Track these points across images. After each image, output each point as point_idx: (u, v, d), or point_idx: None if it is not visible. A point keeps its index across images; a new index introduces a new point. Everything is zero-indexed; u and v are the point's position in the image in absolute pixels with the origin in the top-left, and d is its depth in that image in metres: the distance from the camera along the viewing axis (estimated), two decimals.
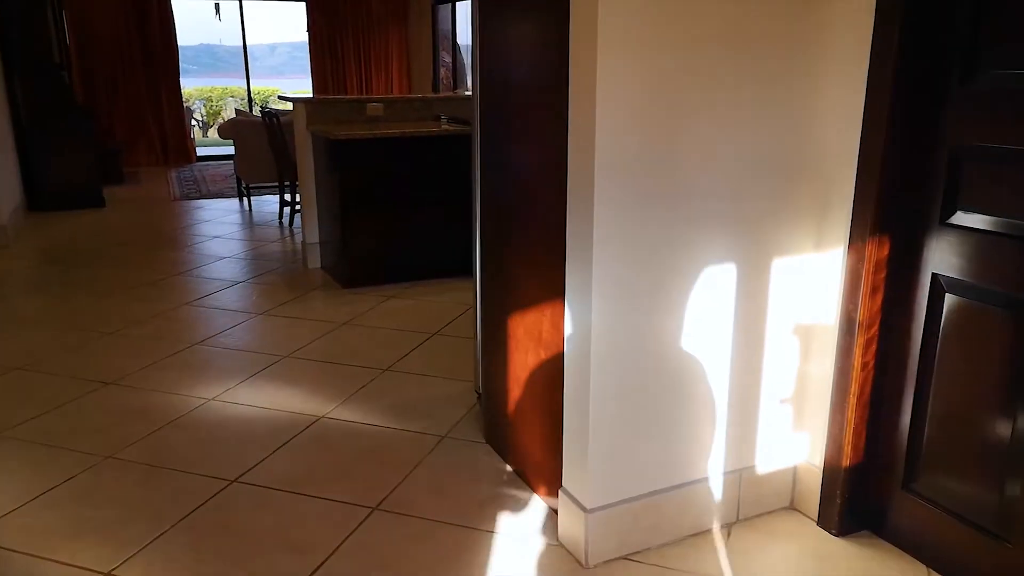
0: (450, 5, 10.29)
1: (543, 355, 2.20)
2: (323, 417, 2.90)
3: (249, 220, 6.70)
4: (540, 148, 2.11)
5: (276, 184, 6.89)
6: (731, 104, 1.89)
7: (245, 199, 7.54)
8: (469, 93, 8.19)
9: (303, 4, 10.58)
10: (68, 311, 4.15)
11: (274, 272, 4.96)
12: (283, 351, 3.57)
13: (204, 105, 18.00)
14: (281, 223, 6.52)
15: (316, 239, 4.99)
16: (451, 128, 4.55)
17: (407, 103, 5.01)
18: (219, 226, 6.40)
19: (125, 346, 3.64)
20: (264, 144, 6.90)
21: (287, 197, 6.60)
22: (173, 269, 5.02)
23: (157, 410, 2.97)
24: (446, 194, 4.61)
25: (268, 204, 7.34)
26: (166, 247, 5.64)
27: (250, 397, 3.08)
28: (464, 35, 10.36)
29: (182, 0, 10.03)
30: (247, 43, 10.57)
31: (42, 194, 6.89)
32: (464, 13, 10.22)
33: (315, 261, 5.02)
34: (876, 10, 1.87)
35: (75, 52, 9.32)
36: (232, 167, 9.56)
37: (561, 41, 1.88)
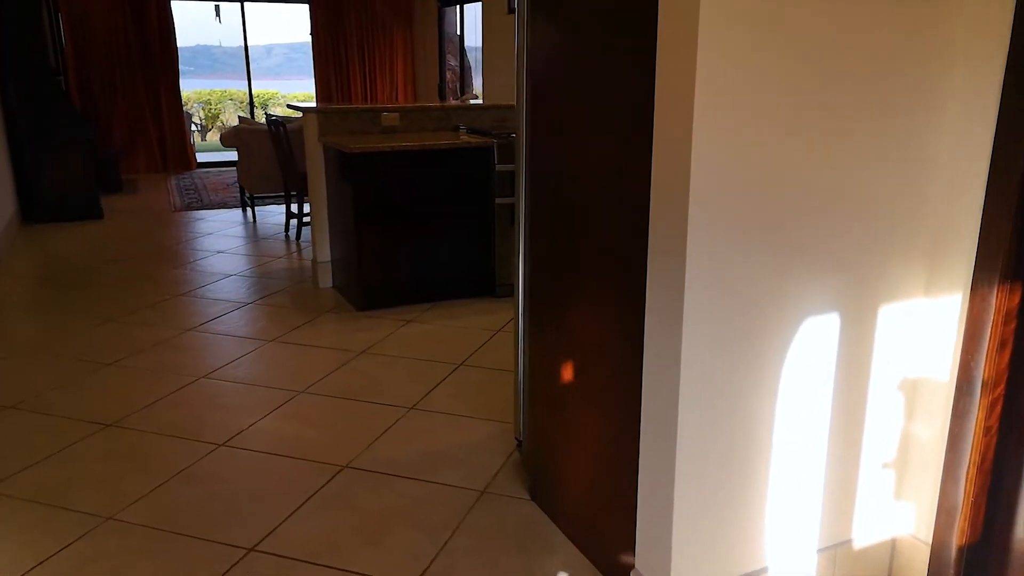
0: (457, 7, 10.02)
1: (609, 411, 1.92)
2: (346, 467, 2.62)
3: (253, 232, 6.41)
4: (609, 170, 1.83)
5: (281, 194, 6.62)
6: (841, 132, 1.62)
7: (248, 209, 7.26)
8: (477, 100, 7.87)
9: (305, 6, 10.30)
10: (64, 339, 3.86)
11: (283, 292, 4.67)
12: (298, 385, 3.29)
13: (203, 108, 17.70)
14: (287, 236, 6.23)
15: (327, 257, 4.70)
16: (472, 140, 4.27)
17: (423, 112, 4.73)
18: (222, 240, 6.11)
19: (126, 380, 3.35)
20: (269, 153, 6.61)
21: (293, 209, 6.31)
22: (175, 289, 4.73)
23: (162, 459, 2.68)
24: (465, 210, 4.33)
25: (272, 215, 7.05)
26: (167, 263, 5.35)
27: (264, 442, 2.80)
28: (472, 38, 10.08)
29: (179, 1, 9.74)
30: (247, 44, 10.29)
31: (38, 204, 6.60)
32: (473, 15, 9.95)
33: (326, 280, 4.73)
34: (1012, 32, 1.59)
35: (72, 55, 9.03)
36: (234, 175, 9.29)
37: (640, 49, 1.60)
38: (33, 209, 6.60)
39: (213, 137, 17.76)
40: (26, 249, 5.74)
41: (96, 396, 3.18)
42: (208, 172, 9.82)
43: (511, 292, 4.53)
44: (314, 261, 4.76)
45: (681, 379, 1.60)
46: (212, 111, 17.95)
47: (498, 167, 4.29)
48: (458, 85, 11.59)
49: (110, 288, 4.72)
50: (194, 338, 3.88)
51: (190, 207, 7.46)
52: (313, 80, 10.64)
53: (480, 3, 9.49)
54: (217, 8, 12.58)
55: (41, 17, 6.44)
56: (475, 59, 10.20)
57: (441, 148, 4.18)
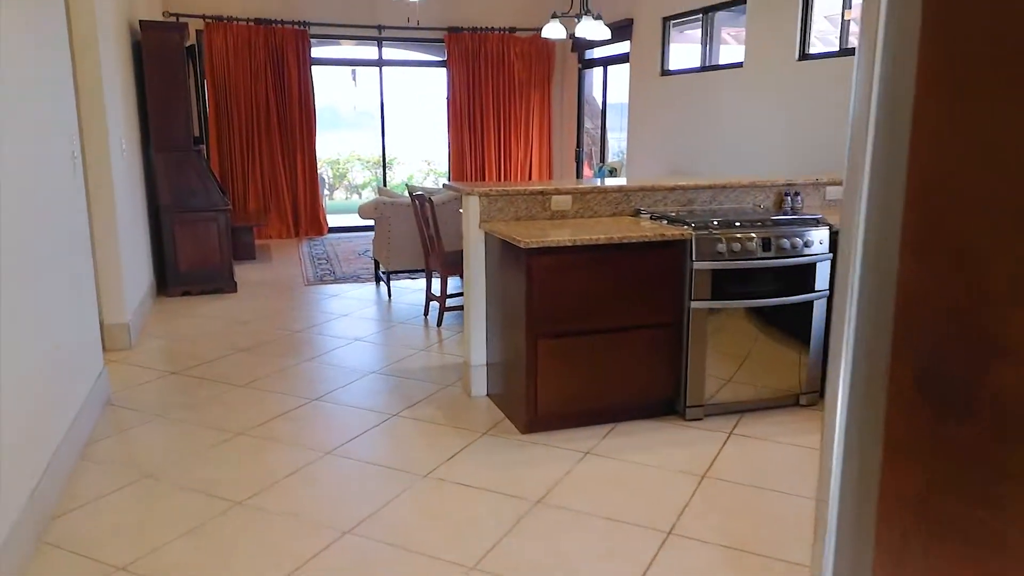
0: (600, 69, 9.45)
1: None
2: None
3: (389, 314, 5.87)
4: None
5: (420, 270, 6.08)
6: None
7: (382, 285, 6.78)
8: (614, 163, 6.99)
9: (443, 70, 10.02)
10: (186, 463, 3.32)
11: (430, 400, 4.02)
12: (467, 556, 2.56)
13: (331, 167, 17.95)
14: (426, 320, 5.65)
15: (481, 360, 4.03)
16: (669, 232, 3.52)
17: (599, 194, 4.04)
18: (357, 324, 5.59)
19: (256, 530, 2.73)
20: (409, 228, 6.11)
21: (434, 288, 5.75)
22: (307, 390, 4.17)
23: None
24: (653, 315, 3.56)
25: (408, 292, 6.53)
26: (298, 353, 4.84)
27: None
28: (617, 96, 9.45)
29: (319, 66, 9.65)
30: (384, 107, 10.07)
31: (174, 276, 6.35)
32: (618, 76, 9.34)
33: (479, 387, 4.05)
34: None
35: (214, 120, 9.02)
36: (365, 243, 8.94)
37: None
38: (168, 281, 6.35)
39: (340, 196, 17.96)
40: (158, 329, 5.40)
41: (220, 556, 2.56)
42: (339, 238, 9.55)
43: (702, 415, 3.70)
44: (466, 364, 4.10)
45: None
46: (340, 170, 18.21)
47: (696, 264, 3.52)
48: (593, 150, 11.00)
49: (240, 390, 4.21)
50: (331, 467, 3.25)
51: (323, 280, 7.07)
52: (447, 144, 10.30)
53: (627, 64, 8.89)
54: (354, 72, 12.65)
55: (188, 86, 6.28)
56: (623, 120, 9.56)
57: (633, 242, 3.45)
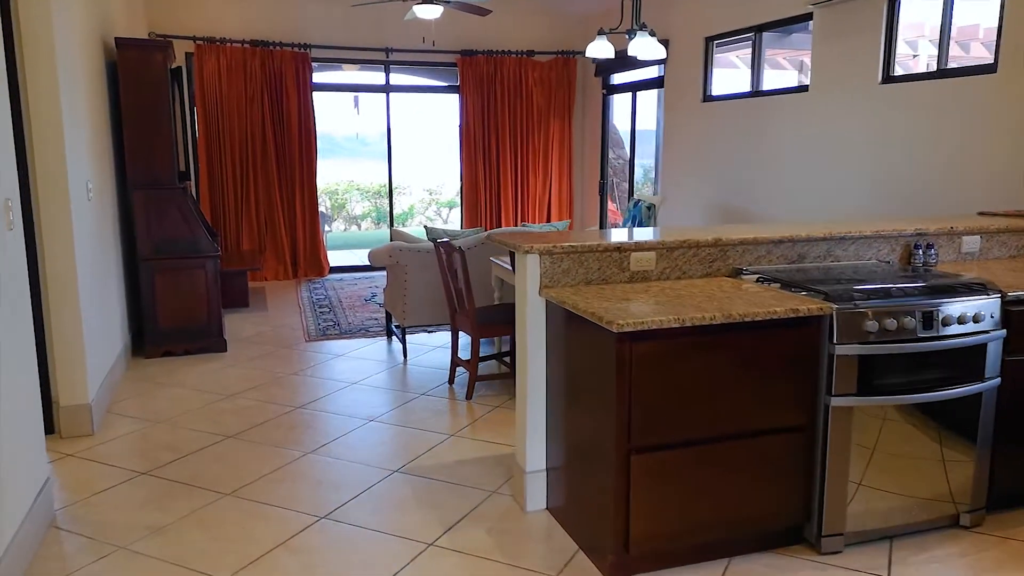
0: (629, 95, 8.64)
1: None
2: None
3: (405, 380, 4.95)
4: None
5: (441, 325, 5.19)
6: None
7: (395, 341, 5.87)
8: (652, 199, 6.02)
9: (455, 96, 9.21)
10: None
11: (473, 518, 3.10)
12: None
13: (329, 197, 17.07)
14: (452, 388, 4.73)
15: (540, 464, 3.12)
16: (803, 308, 2.63)
17: (689, 250, 3.16)
18: (369, 395, 4.67)
19: None
20: (431, 278, 5.23)
21: (461, 351, 4.85)
22: (312, 501, 3.24)
23: None
24: (776, 415, 2.67)
25: (426, 350, 5.62)
26: (300, 442, 3.92)
27: None
28: (644, 124, 8.64)
29: (321, 92, 8.83)
30: (391, 135, 9.23)
31: (153, 334, 5.43)
32: (646, 103, 8.54)
33: (536, 498, 3.14)
34: None
35: (204, 152, 8.16)
36: (372, 286, 8.05)
37: None
38: (147, 339, 5.43)
39: (339, 227, 17.09)
40: (130, 406, 4.47)
41: None
42: (342, 280, 8.65)
43: (842, 546, 2.79)
44: (518, 468, 3.18)
45: None
46: (338, 200, 17.34)
47: (838, 348, 2.63)
48: (615, 182, 10.17)
49: (226, 501, 3.28)
50: None
51: (326, 334, 6.16)
52: (459, 176, 9.46)
53: (658, 90, 8.09)
54: (356, 99, 11.85)
55: (173, 113, 5.41)
56: (645, 154, 8.73)
57: (758, 321, 2.56)
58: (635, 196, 8.01)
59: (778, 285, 2.96)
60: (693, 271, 3.19)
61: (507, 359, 5.01)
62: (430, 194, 18.03)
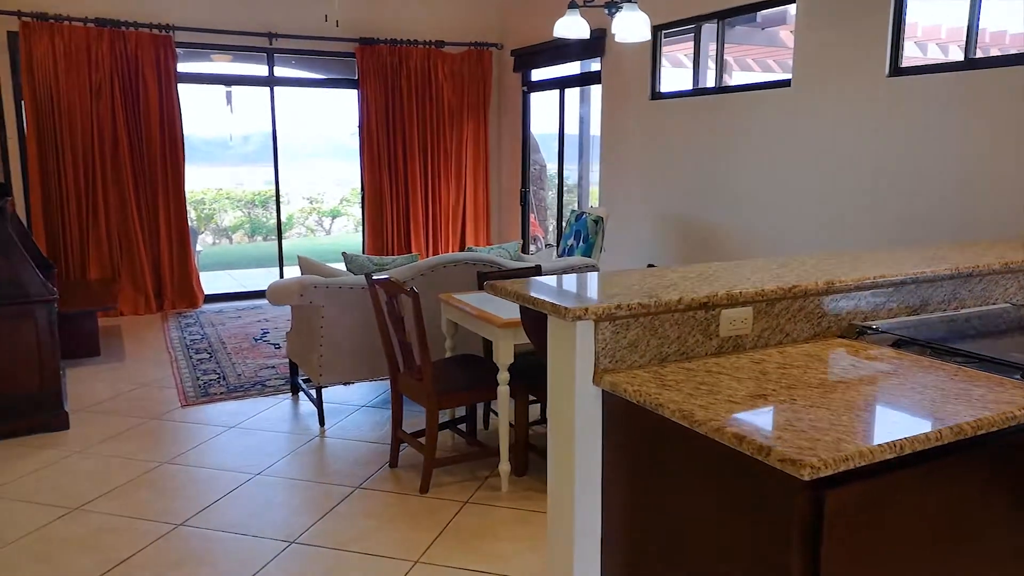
0: (557, 92, 7.63)
1: None
2: None
3: (327, 465, 3.68)
4: None
5: (372, 379, 3.96)
6: None
7: (303, 399, 4.56)
8: (601, 212, 4.50)
9: (354, 91, 7.89)
10: None
11: None
12: None
13: (194, 209, 15.08)
14: (396, 475, 3.51)
15: None
16: None
17: (795, 302, 2.12)
18: (279, 495, 3.37)
19: None
20: (355, 323, 3.99)
21: (403, 423, 3.64)
22: None
23: None
24: None
25: (346, 411, 4.34)
26: None
27: None
28: (571, 127, 7.66)
29: (187, 84, 7.27)
30: (276, 136, 7.77)
31: None
32: (572, 101, 7.57)
33: None
34: None
35: (36, 159, 6.45)
36: (257, 317, 6.52)
37: None
38: None
39: (207, 239, 15.18)
40: None
41: None
42: (221, 312, 7.11)
43: None
44: None
45: None
46: (206, 211, 15.41)
47: None
48: (532, 191, 9.15)
49: None
50: None
51: (209, 393, 4.73)
52: (359, 174, 8.14)
53: (591, 87, 7.14)
54: (228, 95, 10.23)
55: None
56: (593, 155, 7.77)
57: (991, 434, 1.55)
58: (576, 208, 7.00)
59: (929, 352, 1.99)
60: (798, 332, 2.16)
61: (461, 426, 3.85)
62: (311, 203, 16.43)
